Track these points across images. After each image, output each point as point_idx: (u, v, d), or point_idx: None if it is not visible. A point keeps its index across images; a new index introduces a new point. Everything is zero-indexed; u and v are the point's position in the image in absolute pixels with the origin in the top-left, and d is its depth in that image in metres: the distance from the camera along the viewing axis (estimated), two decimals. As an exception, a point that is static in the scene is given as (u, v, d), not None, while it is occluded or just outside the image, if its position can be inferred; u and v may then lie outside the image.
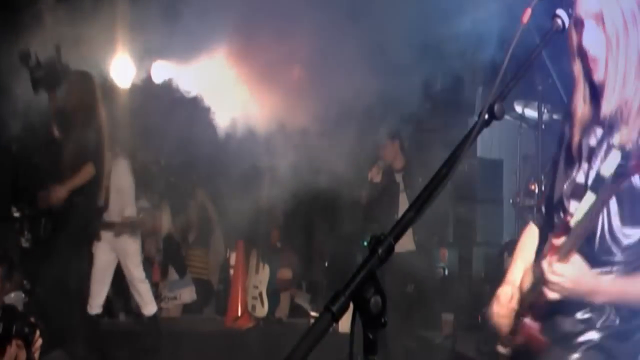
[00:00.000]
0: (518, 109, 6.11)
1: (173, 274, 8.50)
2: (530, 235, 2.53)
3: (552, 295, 2.09)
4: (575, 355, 2.15)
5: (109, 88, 6.63)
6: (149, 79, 6.79)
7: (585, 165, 2.19)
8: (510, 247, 6.02)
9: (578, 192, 2.18)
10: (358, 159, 6.05)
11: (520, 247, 2.55)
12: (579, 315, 2.17)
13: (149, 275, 8.60)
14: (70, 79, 6.14)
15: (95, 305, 6.66)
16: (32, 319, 3.20)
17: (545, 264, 2.09)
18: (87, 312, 6.56)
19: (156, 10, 5.48)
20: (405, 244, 6.11)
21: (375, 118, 6.04)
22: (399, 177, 6.52)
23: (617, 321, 2.14)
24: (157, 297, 8.57)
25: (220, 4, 5.04)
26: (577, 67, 2.15)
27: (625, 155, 1.97)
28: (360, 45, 4.72)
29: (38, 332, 3.05)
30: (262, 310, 7.76)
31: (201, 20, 5.07)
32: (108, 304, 8.40)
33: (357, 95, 4.98)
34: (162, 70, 6.47)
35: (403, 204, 6.39)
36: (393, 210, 6.39)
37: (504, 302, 2.36)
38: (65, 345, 6.08)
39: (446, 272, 7.39)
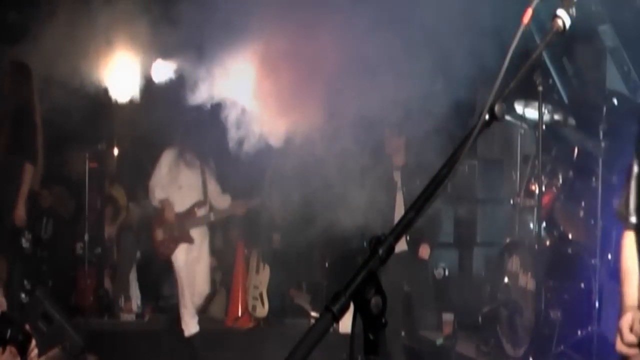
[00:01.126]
0: (518, 109, 6.10)
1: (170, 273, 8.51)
2: (632, 247, 2.39)
3: None
4: None
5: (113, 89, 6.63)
6: (150, 77, 6.79)
7: None
8: (510, 248, 6.03)
9: None
10: (364, 164, 6.03)
11: (627, 264, 2.37)
12: None
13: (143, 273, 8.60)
14: (5, 71, 6.11)
15: (192, 324, 6.66)
16: (28, 328, 3.20)
17: None
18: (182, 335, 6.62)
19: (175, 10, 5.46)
20: (398, 244, 6.07)
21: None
22: (397, 175, 6.50)
23: None
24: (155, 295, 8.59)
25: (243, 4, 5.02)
26: None
27: None
28: (390, 50, 4.69)
29: (34, 342, 3.04)
30: (262, 311, 7.76)
31: (223, 19, 5.05)
32: (109, 304, 8.42)
33: (381, 106, 4.96)
34: (168, 70, 6.45)
35: (399, 202, 6.37)
36: (390, 209, 6.36)
37: (628, 332, 2.23)
38: (64, 344, 6.08)
39: (446, 272, 7.40)
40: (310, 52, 4.86)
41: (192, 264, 6.72)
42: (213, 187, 6.78)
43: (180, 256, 6.66)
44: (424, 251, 6.36)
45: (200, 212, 6.73)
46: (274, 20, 4.98)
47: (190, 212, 6.68)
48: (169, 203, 6.65)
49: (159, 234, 6.74)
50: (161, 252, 6.80)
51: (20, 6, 6.37)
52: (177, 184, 6.65)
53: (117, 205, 8.95)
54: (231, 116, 5.99)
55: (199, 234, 6.73)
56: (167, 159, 6.74)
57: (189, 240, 6.62)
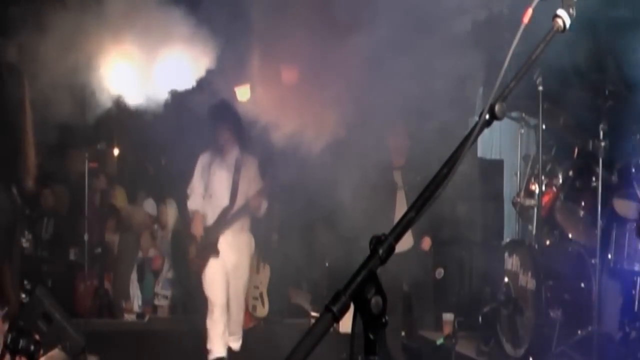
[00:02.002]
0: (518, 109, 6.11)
1: (167, 272, 8.52)
2: None
3: None
4: None
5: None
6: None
7: None
8: (510, 248, 6.03)
9: None
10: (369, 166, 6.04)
11: None
12: None
13: (140, 272, 8.59)
14: None
15: (217, 348, 6.02)
16: (37, 337, 3.26)
17: None
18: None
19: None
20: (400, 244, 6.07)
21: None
22: (397, 175, 6.49)
23: None
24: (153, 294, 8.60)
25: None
26: None
27: None
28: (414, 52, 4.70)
29: (42, 351, 3.10)
30: (262, 311, 7.77)
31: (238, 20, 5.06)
32: (110, 305, 8.43)
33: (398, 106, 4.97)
34: (172, 70, 6.44)
35: (401, 202, 6.37)
36: (390, 209, 6.36)
37: None
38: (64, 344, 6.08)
39: (446, 272, 7.38)
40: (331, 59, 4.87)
41: (223, 279, 6.04)
42: (253, 190, 6.08)
43: (209, 271, 6.04)
44: (426, 244, 6.36)
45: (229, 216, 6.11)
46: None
47: (217, 223, 6.06)
48: (198, 216, 6.08)
49: (192, 251, 6.17)
50: (194, 270, 6.25)
51: (21, 5, 6.37)
52: (208, 193, 6.08)
53: (117, 206, 8.97)
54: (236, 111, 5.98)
55: (236, 243, 6.10)
56: (200, 164, 6.15)
57: (215, 252, 6.00)
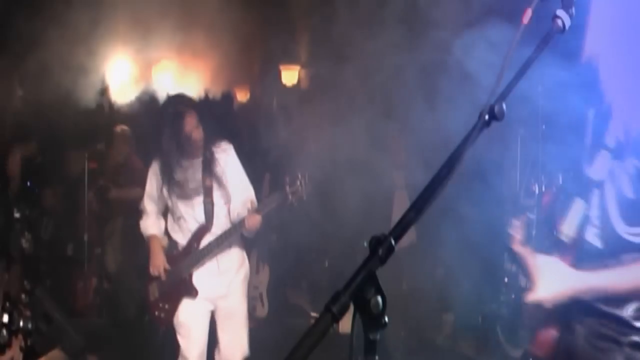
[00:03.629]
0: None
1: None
2: None
3: None
4: None
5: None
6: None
7: None
8: (510, 247, 6.03)
9: None
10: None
11: None
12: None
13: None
14: None
15: None
16: (29, 313, 3.27)
17: None
18: None
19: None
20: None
21: None
22: (397, 175, 6.49)
23: None
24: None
25: None
26: None
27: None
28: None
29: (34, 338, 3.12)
30: (262, 311, 7.76)
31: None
32: (109, 304, 8.42)
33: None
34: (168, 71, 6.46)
35: (403, 202, 6.37)
36: (386, 210, 6.35)
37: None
38: (64, 344, 6.09)
39: (446, 272, 7.39)
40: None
41: (204, 318, 4.50)
42: (238, 200, 4.38)
43: (184, 316, 4.50)
44: None
45: (205, 240, 4.42)
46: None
47: (188, 249, 4.43)
48: (157, 243, 4.46)
49: (153, 291, 4.55)
50: (157, 316, 4.63)
51: (22, 10, 6.39)
52: (175, 215, 4.42)
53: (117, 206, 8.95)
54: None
55: (222, 267, 4.48)
56: (152, 175, 4.47)
57: (191, 292, 4.41)
